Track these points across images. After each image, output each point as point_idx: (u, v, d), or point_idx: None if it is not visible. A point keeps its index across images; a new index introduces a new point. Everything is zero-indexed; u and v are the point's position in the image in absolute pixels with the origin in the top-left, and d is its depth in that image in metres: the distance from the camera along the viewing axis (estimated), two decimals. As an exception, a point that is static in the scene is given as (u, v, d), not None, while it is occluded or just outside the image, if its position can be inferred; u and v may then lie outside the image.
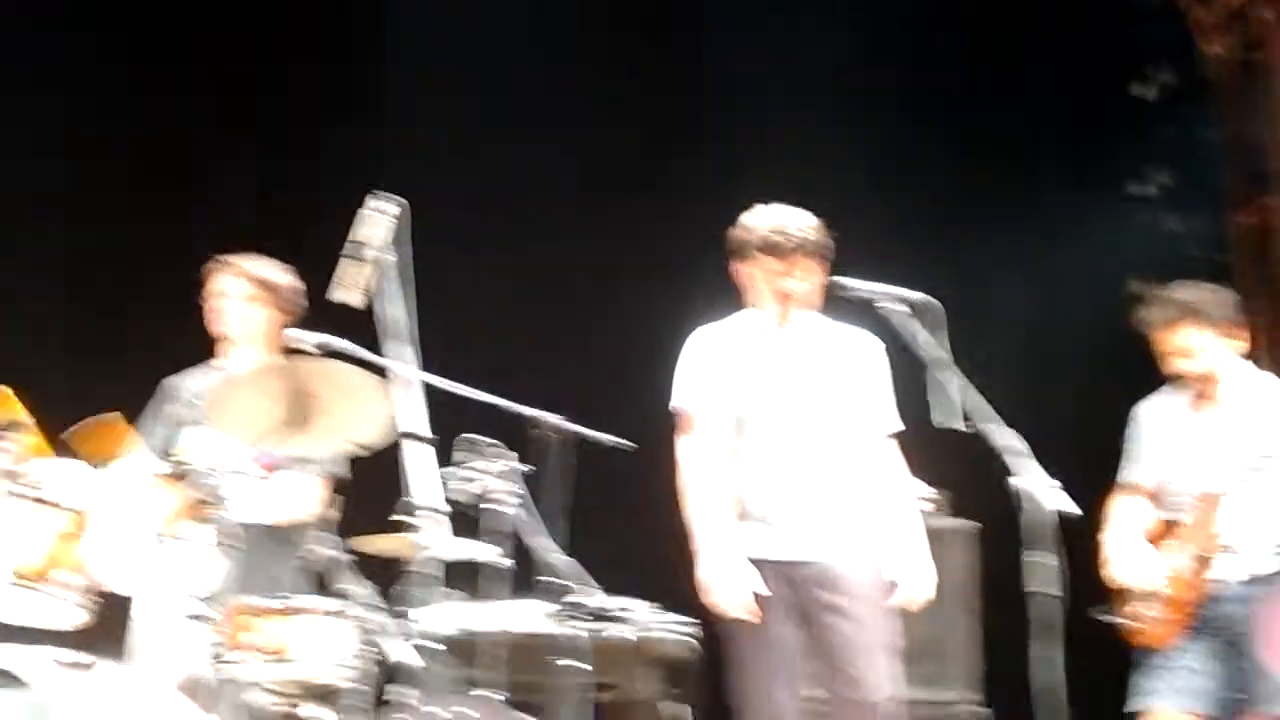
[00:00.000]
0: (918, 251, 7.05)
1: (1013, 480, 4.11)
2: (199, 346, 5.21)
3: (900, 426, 4.79)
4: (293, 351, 4.63)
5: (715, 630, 5.00)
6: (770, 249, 4.63)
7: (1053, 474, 4.15)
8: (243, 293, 5.08)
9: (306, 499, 4.94)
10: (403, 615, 4.81)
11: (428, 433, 3.95)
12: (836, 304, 4.66)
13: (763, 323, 4.73)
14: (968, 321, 4.70)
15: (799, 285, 4.64)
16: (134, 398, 5.13)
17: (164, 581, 4.40)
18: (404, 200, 4.17)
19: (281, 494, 4.89)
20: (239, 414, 4.28)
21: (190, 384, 5.17)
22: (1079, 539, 4.26)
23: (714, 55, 8.35)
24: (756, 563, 4.57)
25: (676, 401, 4.73)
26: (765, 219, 4.68)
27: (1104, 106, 9.30)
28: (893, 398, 4.80)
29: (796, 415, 4.66)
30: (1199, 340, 4.96)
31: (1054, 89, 9.02)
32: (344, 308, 4.23)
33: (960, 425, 4.20)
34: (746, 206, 4.82)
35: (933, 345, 4.33)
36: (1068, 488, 4.14)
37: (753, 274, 4.69)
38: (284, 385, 4.27)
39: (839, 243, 4.71)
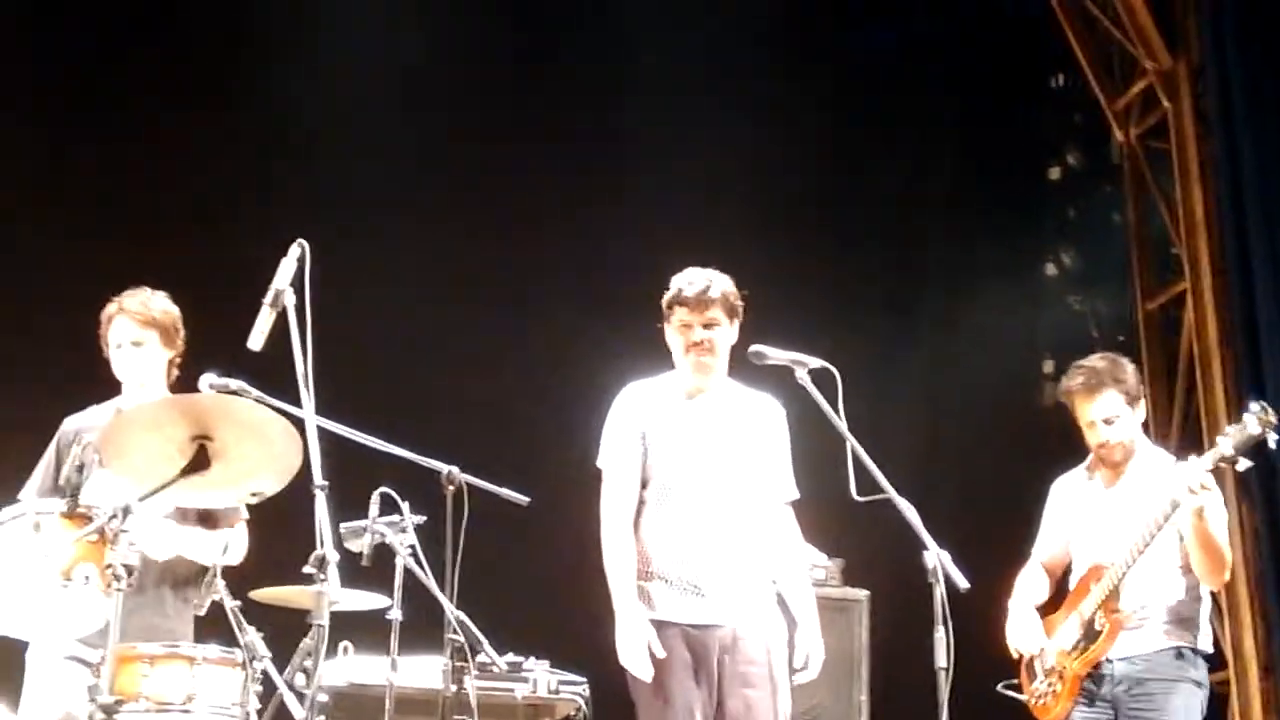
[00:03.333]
0: (823, 323, 7.11)
1: (926, 556, 4.13)
2: (99, 383, 5.14)
3: (797, 495, 4.84)
4: (188, 385, 4.58)
5: (606, 688, 5.00)
6: (680, 300, 4.72)
7: (941, 544, 4.18)
8: (137, 338, 5.00)
9: (241, 547, 4.88)
10: (293, 666, 4.77)
11: (321, 479, 3.90)
12: (747, 368, 4.71)
13: (684, 384, 4.78)
14: (869, 392, 4.74)
15: (707, 335, 4.71)
16: (34, 435, 5.07)
17: (56, 623, 4.32)
18: (304, 241, 4.14)
19: (220, 539, 4.81)
20: (135, 452, 4.21)
21: (90, 422, 5.09)
22: (966, 608, 4.29)
23: (632, 114, 8.40)
24: (666, 624, 4.58)
25: (603, 460, 4.76)
26: (681, 276, 4.79)
27: (1015, 187, 9.47)
28: (790, 464, 4.85)
29: (710, 479, 4.71)
30: (1119, 407, 5.04)
31: (966, 167, 9.18)
32: (248, 351, 4.19)
33: (880, 497, 4.23)
34: (657, 269, 4.90)
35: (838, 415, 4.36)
36: (956, 559, 4.18)
37: (670, 331, 4.76)
38: (180, 423, 4.21)
39: (754, 306, 4.78)
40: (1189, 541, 4.88)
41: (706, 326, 4.73)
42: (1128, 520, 4.98)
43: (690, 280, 4.76)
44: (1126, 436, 5.08)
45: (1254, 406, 4.90)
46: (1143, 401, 5.13)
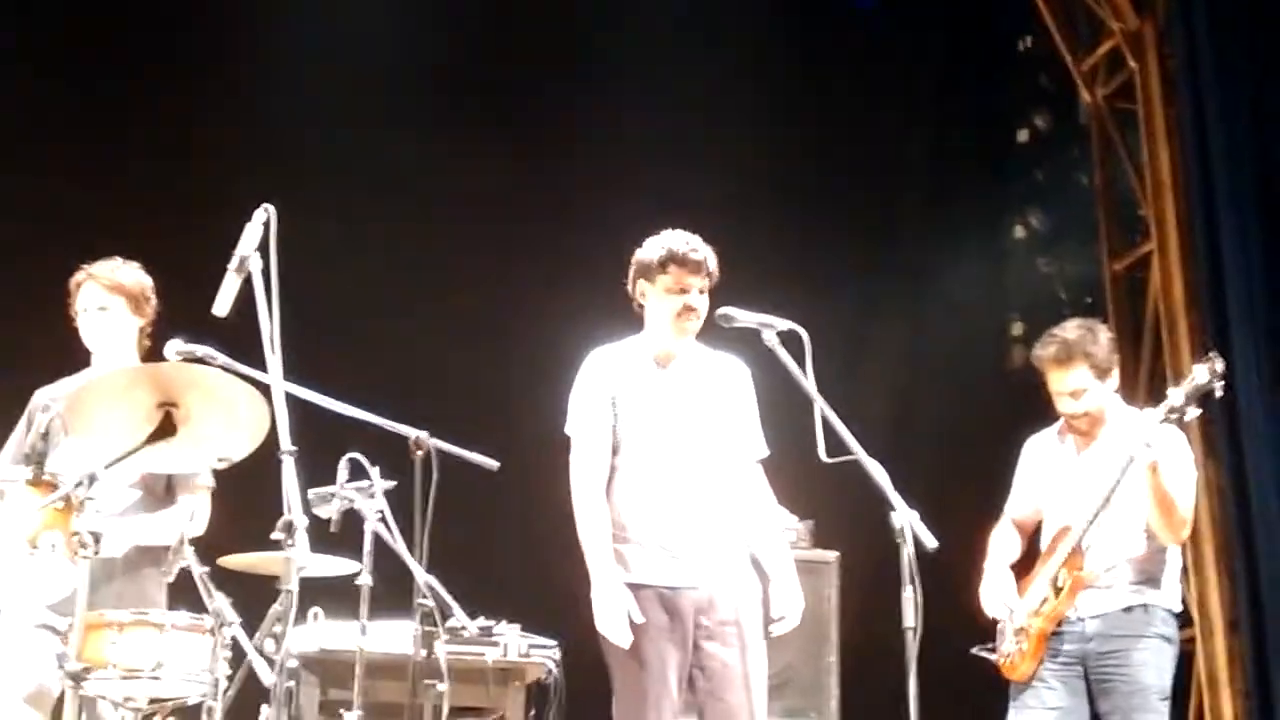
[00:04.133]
0: (792, 283, 7.11)
1: (894, 517, 4.14)
2: (71, 354, 5.11)
3: (767, 452, 4.85)
4: (157, 355, 4.56)
5: (577, 653, 5.01)
6: (679, 260, 4.69)
7: (912, 505, 4.20)
8: (106, 304, 4.98)
9: (200, 518, 4.85)
10: (262, 631, 4.76)
11: (289, 445, 3.88)
12: (715, 330, 4.70)
13: (653, 348, 4.77)
14: (839, 354, 4.75)
15: (702, 300, 4.70)
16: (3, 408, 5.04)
17: (24, 591, 4.30)
18: (270, 205, 4.11)
19: (176, 515, 4.79)
20: (98, 420, 4.20)
21: (60, 393, 5.06)
22: (940, 570, 4.31)
23: (603, 84, 8.37)
24: (641, 587, 4.58)
25: (571, 426, 4.75)
26: (672, 238, 4.76)
27: (983, 150, 9.48)
28: (759, 423, 4.86)
29: (681, 443, 4.71)
30: (1088, 381, 5.06)
31: (934, 130, 9.18)
32: (216, 318, 4.16)
33: (849, 459, 4.24)
34: (629, 231, 4.88)
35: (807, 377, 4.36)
36: (926, 520, 4.19)
37: (655, 291, 4.73)
38: (146, 391, 4.19)
39: (725, 271, 4.78)
40: (1145, 497, 4.92)
41: (700, 292, 4.72)
42: (1097, 484, 5.01)
43: (688, 242, 4.74)
44: (1094, 407, 5.11)
45: (1208, 355, 4.97)
46: (1115, 371, 5.14)
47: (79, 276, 5.02)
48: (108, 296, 4.96)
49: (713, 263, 4.75)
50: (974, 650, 5.20)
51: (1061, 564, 5.04)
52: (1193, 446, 5.25)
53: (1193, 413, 4.92)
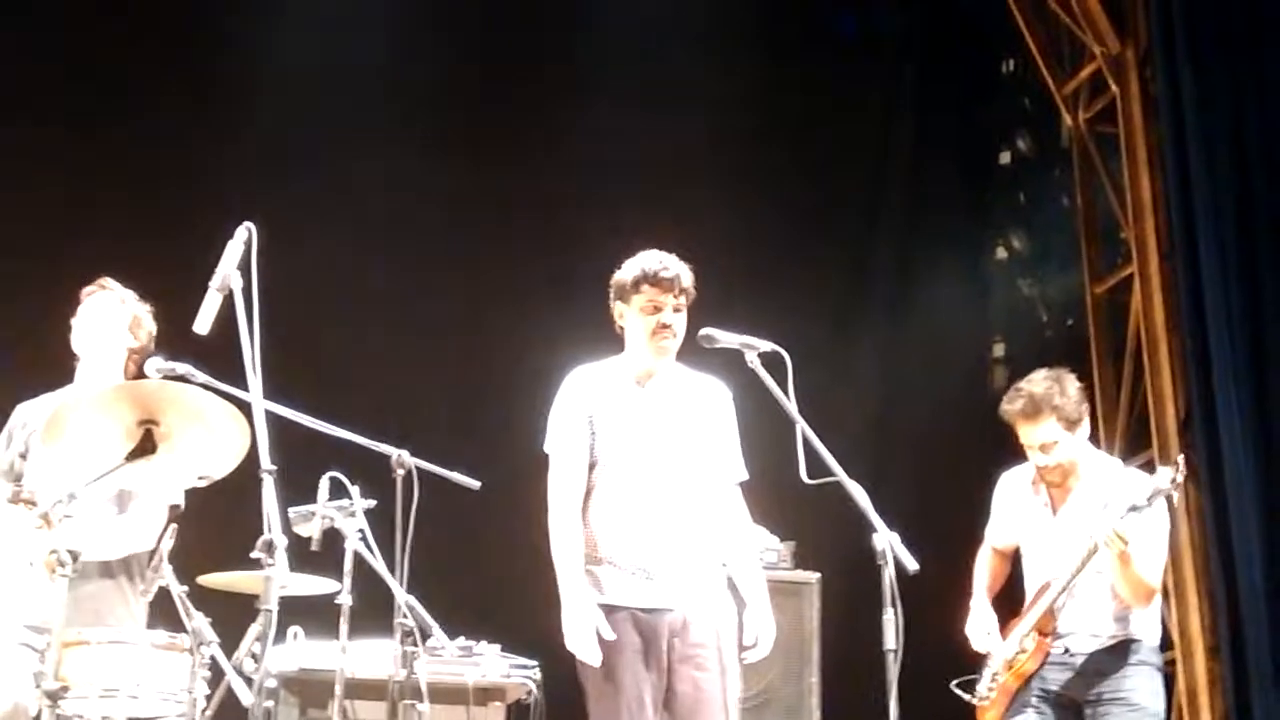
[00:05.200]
0: (773, 304, 7.13)
1: (875, 539, 4.15)
2: (54, 370, 5.10)
3: (745, 475, 4.84)
4: (139, 377, 4.55)
5: (557, 673, 4.99)
6: (652, 280, 4.69)
7: (893, 527, 4.20)
8: (111, 314, 5.00)
9: (146, 531, 4.82)
10: (241, 651, 4.74)
11: (269, 464, 3.87)
12: (698, 350, 4.70)
13: (633, 368, 4.77)
14: (820, 375, 4.75)
15: (676, 319, 4.70)
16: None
17: (7, 609, 4.28)
18: (250, 224, 4.10)
19: (124, 527, 4.77)
20: (77, 436, 4.18)
21: (41, 409, 5.05)
22: (920, 591, 4.31)
23: (583, 105, 8.38)
24: (615, 609, 4.57)
25: (549, 446, 4.74)
26: (646, 258, 4.76)
27: (966, 172, 9.52)
28: (739, 446, 4.85)
29: (658, 463, 4.70)
30: (1058, 433, 5.06)
31: (918, 152, 9.21)
32: (205, 339, 4.15)
33: (831, 480, 4.24)
34: (609, 250, 4.88)
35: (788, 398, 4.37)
36: (907, 541, 4.19)
37: (631, 312, 4.73)
38: (126, 408, 4.18)
39: (705, 290, 4.78)
40: (1113, 579, 4.96)
41: (677, 310, 4.72)
42: (1072, 541, 5.03)
43: (661, 261, 4.73)
44: (1065, 459, 5.10)
45: (1176, 461, 5.04)
46: (1085, 421, 5.13)
47: (93, 286, 5.05)
48: (117, 308, 4.99)
49: (687, 280, 4.73)
50: (952, 686, 5.21)
51: (1033, 625, 5.07)
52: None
53: (1158, 504, 4.94)
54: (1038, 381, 5.12)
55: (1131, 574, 4.91)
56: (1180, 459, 5.13)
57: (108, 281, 5.06)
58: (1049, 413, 5.04)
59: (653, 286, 4.70)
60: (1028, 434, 5.10)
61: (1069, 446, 5.09)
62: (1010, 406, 5.13)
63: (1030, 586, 5.21)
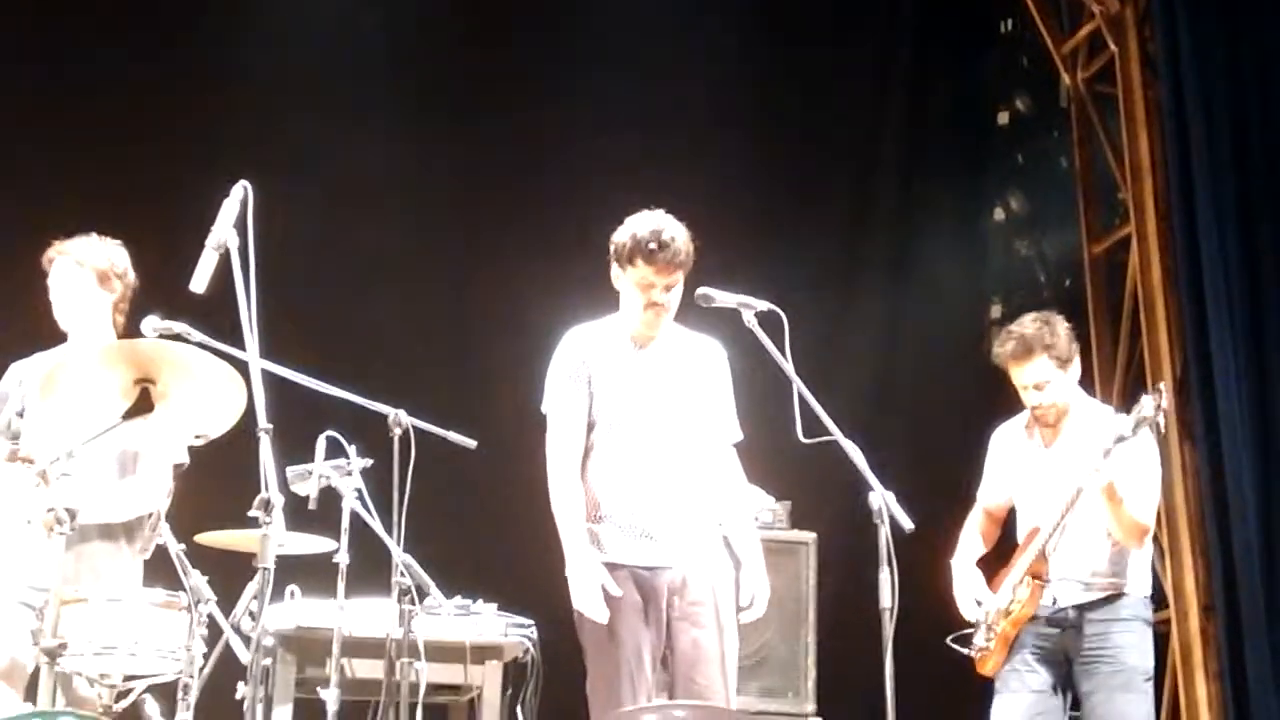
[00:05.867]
0: (770, 263, 7.12)
1: (871, 497, 4.16)
2: (50, 331, 5.09)
3: (740, 436, 4.84)
4: (132, 330, 4.54)
5: (554, 631, 5.01)
6: (646, 256, 4.64)
7: (889, 486, 4.21)
8: (75, 278, 4.95)
9: (155, 492, 4.82)
10: (239, 609, 4.76)
11: (266, 423, 3.87)
12: (693, 309, 4.70)
13: (630, 328, 4.76)
14: (817, 335, 4.74)
15: (668, 297, 4.67)
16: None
17: (10, 567, 4.30)
18: (247, 183, 4.09)
19: (132, 489, 4.77)
20: (73, 395, 4.18)
21: (35, 368, 5.04)
22: (916, 550, 4.33)
23: (575, 64, 8.34)
24: (615, 567, 4.58)
25: (548, 405, 4.74)
26: (644, 227, 4.68)
27: (964, 132, 9.48)
28: (734, 406, 4.85)
29: (656, 422, 4.70)
30: (1050, 372, 5.08)
31: (915, 112, 9.17)
32: (202, 296, 4.14)
33: (827, 439, 4.25)
34: (604, 210, 4.86)
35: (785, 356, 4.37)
36: (903, 501, 4.21)
37: (627, 280, 4.70)
38: (122, 367, 4.18)
39: (698, 251, 4.74)
40: (1104, 516, 4.96)
41: (667, 289, 4.68)
42: (1064, 481, 5.04)
43: (656, 233, 4.63)
44: (1059, 398, 5.13)
45: (1157, 387, 5.02)
46: (1076, 360, 5.16)
47: (50, 253, 4.99)
48: (75, 270, 4.93)
49: (682, 251, 4.64)
50: (949, 640, 5.23)
51: (1025, 570, 5.08)
52: (1168, 430, 5.27)
53: (1143, 433, 4.94)
54: (1027, 324, 5.15)
55: (1122, 512, 4.92)
56: (1162, 385, 5.13)
57: (62, 245, 4.98)
58: (1040, 351, 5.07)
59: (646, 264, 4.63)
60: (1020, 374, 5.12)
61: (1061, 385, 5.11)
62: (1002, 349, 5.15)
63: (1021, 530, 5.21)
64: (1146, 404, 4.92)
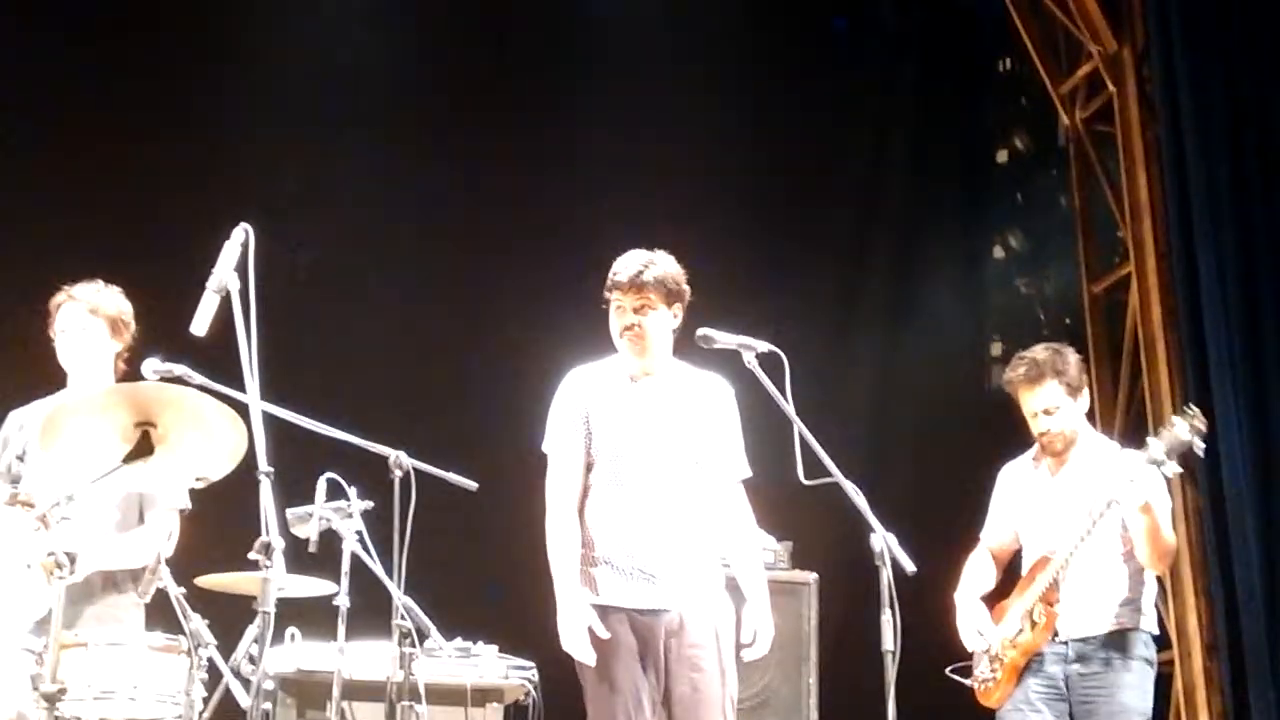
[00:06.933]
0: (770, 303, 7.13)
1: (873, 539, 4.15)
2: (44, 375, 5.08)
3: (749, 473, 4.83)
4: (133, 377, 4.53)
5: (555, 673, 4.99)
6: (614, 284, 4.69)
7: (890, 526, 4.21)
8: (85, 325, 4.95)
9: (160, 538, 4.81)
10: (239, 653, 4.73)
11: (266, 465, 3.86)
12: (698, 350, 4.70)
13: (625, 367, 4.76)
14: (818, 375, 4.74)
15: (642, 320, 4.67)
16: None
17: (8, 614, 4.28)
18: (248, 226, 4.09)
19: (137, 535, 4.76)
20: (74, 439, 4.17)
21: (35, 415, 5.03)
22: (918, 591, 4.31)
23: (584, 98, 8.38)
24: (611, 610, 4.56)
25: (548, 445, 4.73)
26: (621, 259, 4.74)
27: (963, 171, 9.51)
28: (741, 443, 4.84)
29: (655, 461, 4.69)
30: (1060, 398, 5.08)
31: (915, 151, 9.20)
32: (200, 338, 4.13)
33: (829, 480, 4.24)
34: (607, 250, 4.88)
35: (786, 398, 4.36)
36: (904, 541, 4.20)
37: (610, 312, 4.73)
38: (123, 411, 4.17)
39: (698, 291, 4.75)
40: (1134, 534, 4.95)
41: (638, 310, 4.69)
42: (1072, 508, 5.04)
43: (626, 264, 4.72)
44: (1068, 426, 5.13)
45: (1187, 409, 4.99)
46: (1085, 391, 5.18)
47: (59, 297, 4.99)
48: (88, 318, 4.93)
49: (661, 279, 4.67)
50: (948, 670, 5.20)
51: (1038, 598, 5.05)
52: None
53: (1172, 468, 4.91)
54: (1039, 350, 5.19)
55: (1155, 531, 4.89)
56: (1194, 408, 5.01)
57: (73, 290, 4.98)
58: (1051, 376, 5.09)
59: (614, 289, 4.70)
60: (1030, 399, 5.13)
61: (1070, 413, 5.12)
62: (1013, 374, 5.18)
63: (1028, 560, 5.19)
64: (1181, 427, 4.88)
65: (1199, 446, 4.92)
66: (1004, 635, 5.10)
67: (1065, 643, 5.03)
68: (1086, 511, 4.97)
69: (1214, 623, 7.58)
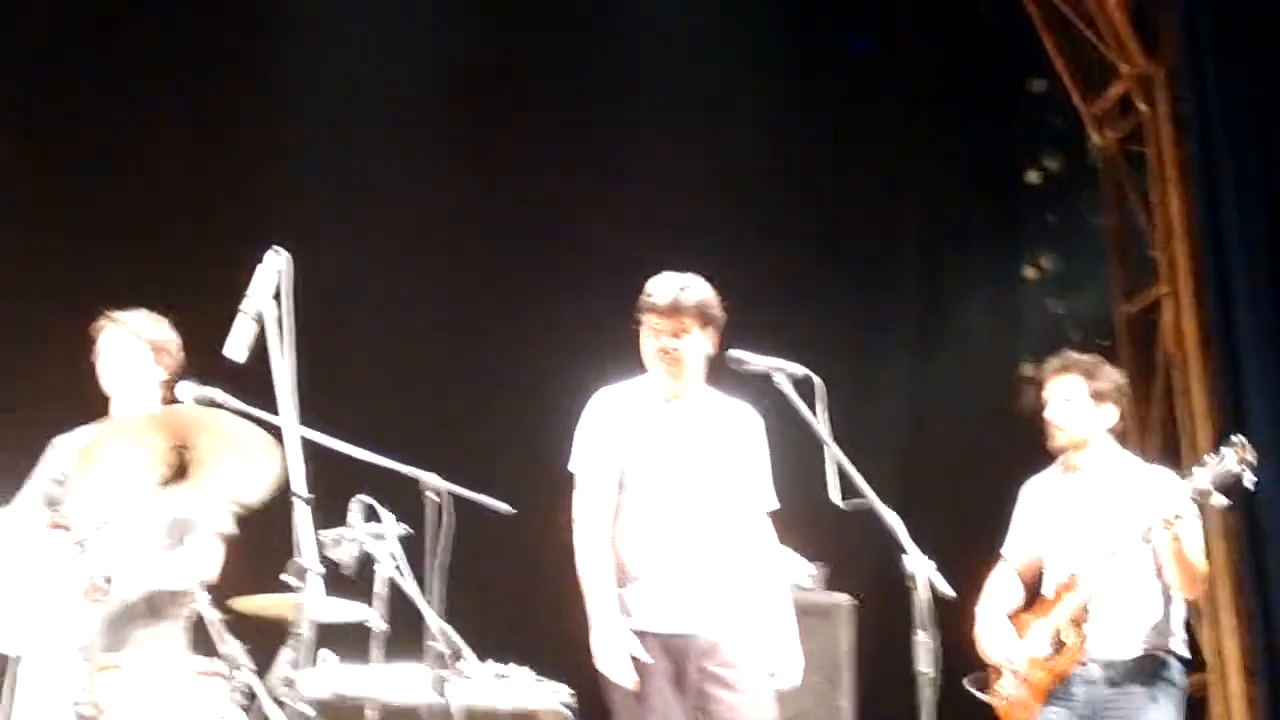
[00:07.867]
0: (801, 326, 7.11)
1: (906, 560, 4.14)
2: (91, 404, 5.12)
3: (776, 505, 4.81)
4: (174, 403, 4.56)
5: (591, 697, 4.98)
6: (650, 307, 4.68)
7: (924, 548, 4.19)
8: (128, 349, 4.99)
9: (207, 562, 4.84)
10: (277, 676, 4.74)
11: (304, 490, 3.87)
12: (728, 374, 4.70)
13: (656, 389, 4.75)
14: (850, 397, 4.73)
15: (679, 344, 4.67)
16: (26, 456, 5.04)
17: (48, 636, 4.30)
18: (288, 252, 4.11)
19: (183, 558, 4.78)
20: (111, 464, 4.19)
21: (78, 442, 5.06)
22: (952, 614, 4.29)
23: (617, 123, 8.40)
24: (644, 634, 4.56)
25: (575, 465, 4.73)
26: (655, 281, 4.73)
27: (995, 192, 9.49)
28: (769, 474, 4.83)
29: (685, 487, 4.68)
30: (1079, 394, 5.06)
31: (945, 172, 9.19)
32: (232, 362, 4.15)
33: (863, 504, 4.23)
34: (637, 271, 4.89)
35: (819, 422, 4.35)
36: (938, 561, 4.18)
37: (643, 334, 4.73)
38: (162, 436, 4.19)
39: (731, 314, 4.75)
40: (1164, 561, 4.91)
41: (675, 335, 4.69)
42: (1101, 524, 5.00)
43: (662, 286, 4.72)
44: (1078, 428, 5.10)
45: (1235, 439, 4.87)
46: (1114, 407, 5.14)
47: (102, 322, 5.03)
48: (133, 343, 4.98)
49: (698, 305, 4.69)
50: (965, 682, 5.15)
51: (1069, 618, 5.00)
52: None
53: (1220, 500, 4.84)
54: (1081, 353, 5.25)
55: (1184, 557, 4.86)
56: (1242, 438, 4.85)
57: (116, 315, 5.03)
58: (1077, 371, 5.12)
59: (650, 312, 4.70)
60: (1052, 388, 5.14)
61: (1085, 415, 5.10)
62: (1048, 364, 5.21)
63: (1053, 577, 5.13)
64: (1230, 458, 4.79)
65: (1250, 480, 4.82)
66: (1029, 653, 5.06)
67: (1093, 664, 4.98)
68: (1116, 533, 4.93)
69: (1251, 645, 7.51)
